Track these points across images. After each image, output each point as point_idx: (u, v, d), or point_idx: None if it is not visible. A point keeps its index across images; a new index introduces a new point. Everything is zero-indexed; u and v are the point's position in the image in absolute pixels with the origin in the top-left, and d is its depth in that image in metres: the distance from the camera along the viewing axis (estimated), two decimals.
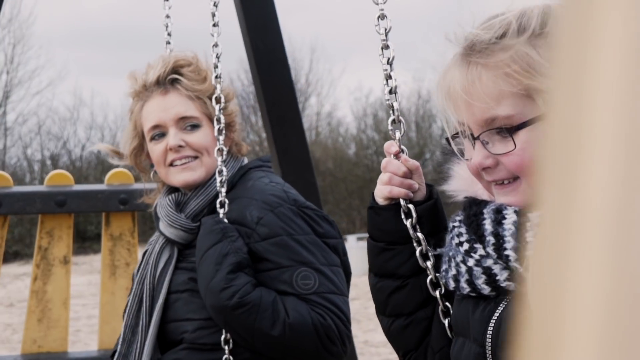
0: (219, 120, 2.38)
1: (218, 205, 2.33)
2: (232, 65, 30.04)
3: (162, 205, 2.45)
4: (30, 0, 31.39)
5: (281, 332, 2.18)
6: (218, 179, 2.34)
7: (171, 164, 2.42)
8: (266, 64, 3.80)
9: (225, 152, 2.38)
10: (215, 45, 2.47)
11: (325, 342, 2.23)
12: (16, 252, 21.02)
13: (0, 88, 26.21)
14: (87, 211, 3.77)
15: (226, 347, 2.28)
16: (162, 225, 2.42)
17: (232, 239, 2.26)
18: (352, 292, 15.64)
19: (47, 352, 3.78)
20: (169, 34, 2.89)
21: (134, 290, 2.47)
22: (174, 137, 2.39)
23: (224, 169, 2.36)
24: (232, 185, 2.42)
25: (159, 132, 2.42)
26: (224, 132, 2.39)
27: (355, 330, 11.56)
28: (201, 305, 2.29)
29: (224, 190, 2.34)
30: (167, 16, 2.90)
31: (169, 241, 2.42)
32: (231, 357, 2.28)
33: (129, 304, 2.46)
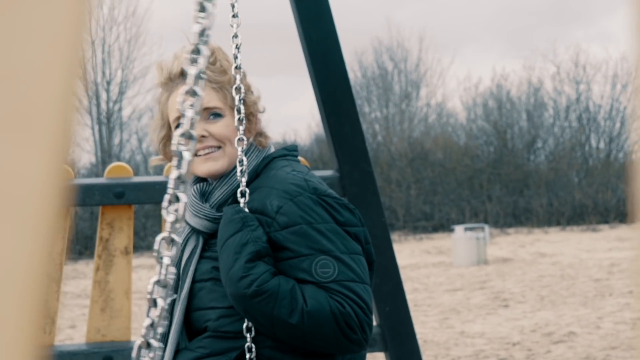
0: (239, 111, 2.41)
1: (239, 195, 2.36)
2: (346, 57, 30.12)
3: (188, 195, 2.49)
4: None
5: (299, 320, 2.20)
6: (238, 169, 2.37)
7: (195, 154, 2.45)
8: (320, 54, 3.80)
9: (245, 142, 2.40)
10: (235, 36, 2.48)
11: (345, 330, 2.23)
12: (149, 246, 21.58)
13: (117, 84, 26.92)
14: (145, 202, 3.85)
15: (248, 335, 2.30)
16: (188, 215, 2.46)
17: (252, 228, 2.28)
18: (457, 283, 15.62)
19: (110, 340, 3.87)
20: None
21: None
22: (196, 127, 2.42)
23: (244, 159, 2.38)
24: (256, 174, 2.44)
25: None
26: (244, 122, 2.42)
27: (454, 320, 11.49)
28: (224, 294, 2.32)
29: (244, 179, 2.37)
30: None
31: (194, 231, 2.45)
32: (253, 345, 2.30)
33: None
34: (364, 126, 29.23)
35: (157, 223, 17.79)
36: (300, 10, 3.79)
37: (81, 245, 20.69)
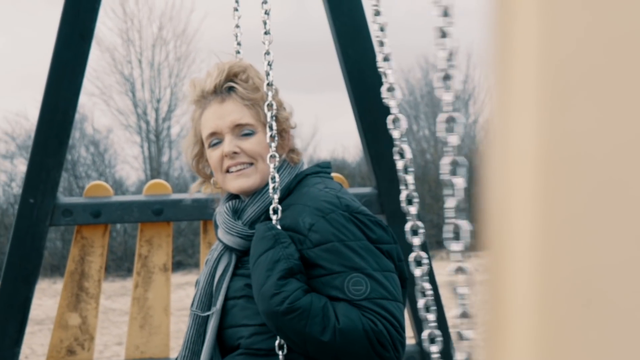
0: (270, 127, 2.41)
1: (271, 212, 2.35)
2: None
3: (220, 212, 2.49)
4: (197, 17, 32.36)
5: (331, 337, 2.18)
6: (271, 185, 2.37)
7: (227, 171, 2.46)
8: (357, 71, 3.80)
9: (277, 159, 2.40)
10: (267, 52, 2.49)
11: (377, 348, 2.21)
12: (179, 262, 21.64)
13: (165, 102, 27.11)
14: (184, 219, 3.86)
15: (280, 353, 2.29)
16: (221, 233, 2.46)
17: (284, 245, 2.27)
18: None
19: (149, 357, 3.89)
20: (238, 44, 2.94)
21: (194, 297, 2.53)
22: (229, 143, 2.43)
23: (277, 176, 2.38)
24: (289, 191, 2.43)
25: (216, 139, 2.47)
26: (276, 138, 2.41)
27: None
28: (256, 311, 2.31)
29: (276, 196, 2.36)
30: (237, 26, 2.95)
31: (227, 248, 2.45)
32: None
33: (190, 314, 2.52)
34: (412, 144, 29.11)
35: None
36: (337, 27, 3.79)
37: (129, 262, 20.82)
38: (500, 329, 0.45)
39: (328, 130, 34.34)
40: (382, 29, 1.72)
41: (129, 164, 27.38)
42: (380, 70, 1.72)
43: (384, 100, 1.68)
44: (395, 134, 1.69)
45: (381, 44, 1.74)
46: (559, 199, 0.44)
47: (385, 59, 1.72)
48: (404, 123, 1.70)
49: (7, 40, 32.59)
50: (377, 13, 1.72)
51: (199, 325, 2.47)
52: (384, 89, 1.71)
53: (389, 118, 1.71)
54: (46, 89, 3.77)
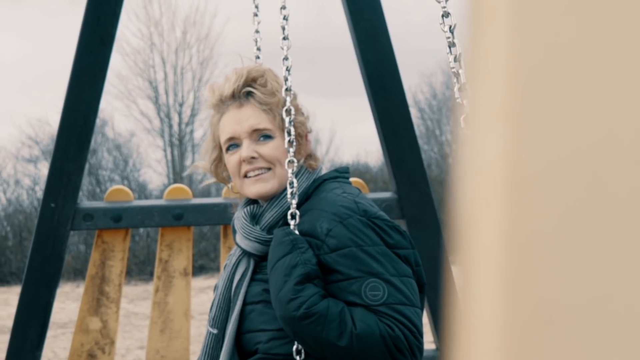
0: (289, 133, 2.41)
1: (289, 217, 2.36)
2: (412, 80, 30.13)
3: (238, 217, 2.50)
4: (220, 21, 32.47)
5: (348, 342, 2.18)
6: (289, 191, 2.37)
7: (245, 175, 2.46)
8: (377, 76, 3.80)
9: (295, 164, 2.40)
10: (286, 58, 2.49)
11: (395, 354, 2.21)
12: (202, 266, 21.68)
13: (189, 106, 27.20)
14: (204, 224, 3.88)
15: (298, 358, 2.30)
16: (239, 238, 2.47)
17: (302, 250, 2.27)
18: None
19: None
20: (258, 49, 2.95)
21: (213, 302, 2.53)
22: (246, 148, 2.44)
23: (295, 181, 2.38)
24: (307, 196, 2.43)
25: (234, 144, 2.48)
26: (294, 143, 2.42)
27: None
28: (274, 316, 2.32)
29: (294, 201, 2.36)
30: (257, 31, 2.96)
31: (245, 253, 2.45)
32: None
33: (209, 316, 2.53)
34: (435, 148, 29.05)
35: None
36: (357, 32, 3.79)
37: (152, 266, 20.88)
38: (466, 344, 0.45)
39: (350, 135, 34.33)
40: (451, 30, 1.72)
41: (152, 168, 27.45)
42: (452, 70, 1.72)
43: (457, 100, 1.68)
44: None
45: (452, 44, 1.74)
46: (525, 215, 0.44)
47: (456, 59, 1.71)
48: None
49: (32, 45, 32.81)
50: (446, 14, 1.73)
51: (217, 331, 2.47)
52: (455, 89, 1.71)
53: (462, 117, 1.71)
54: (67, 93, 3.79)
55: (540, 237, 0.44)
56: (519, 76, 0.44)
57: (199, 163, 2.76)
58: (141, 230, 21.11)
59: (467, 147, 0.47)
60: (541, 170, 0.44)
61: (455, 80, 1.72)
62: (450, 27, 1.74)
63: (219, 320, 2.48)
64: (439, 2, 1.75)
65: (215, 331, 2.47)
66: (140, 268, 21.39)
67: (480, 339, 0.44)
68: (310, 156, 2.53)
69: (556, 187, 0.44)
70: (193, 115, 27.29)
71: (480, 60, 0.46)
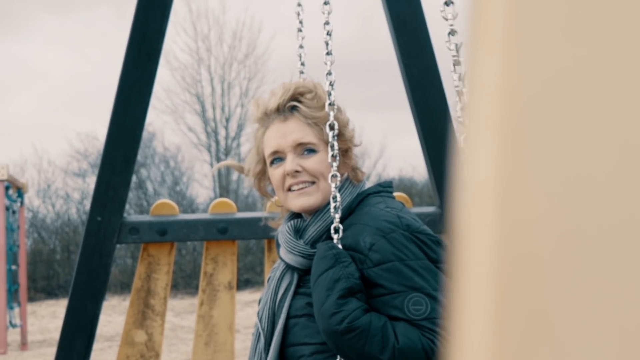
0: (332, 147, 2.41)
1: (332, 231, 2.36)
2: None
3: (282, 231, 2.51)
4: (266, 36, 32.62)
5: (390, 357, 2.18)
6: (332, 205, 2.37)
7: (289, 189, 2.47)
8: (421, 90, 3.80)
9: (339, 178, 2.41)
10: (329, 73, 2.50)
11: None
12: (247, 280, 21.73)
13: (235, 121, 27.33)
14: (248, 238, 3.90)
15: None
16: (282, 252, 2.47)
17: (345, 264, 2.28)
18: None
19: None
20: (302, 64, 2.96)
21: (258, 315, 2.54)
22: (291, 162, 2.45)
23: (338, 195, 2.38)
24: (350, 211, 2.44)
25: (278, 157, 2.49)
26: (338, 158, 2.42)
27: None
28: (317, 330, 2.32)
29: (337, 215, 2.37)
30: (301, 46, 2.98)
31: (289, 267, 2.46)
32: None
33: (255, 329, 2.54)
34: None
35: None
36: (401, 45, 3.79)
37: (198, 280, 20.97)
38: (459, 349, 0.46)
39: (396, 149, 34.23)
40: (457, 49, 1.73)
41: (198, 183, 27.62)
42: (456, 89, 1.72)
43: (458, 120, 1.68)
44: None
45: (458, 62, 1.74)
46: (517, 233, 0.46)
47: (460, 77, 1.72)
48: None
49: (81, 60, 33.21)
50: (453, 32, 1.73)
51: (261, 344, 2.48)
52: (458, 109, 1.71)
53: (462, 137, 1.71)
54: (114, 108, 3.83)
55: (530, 246, 0.44)
56: (513, 97, 0.45)
57: (228, 162, 2.79)
58: (188, 244, 21.23)
59: (464, 165, 0.48)
60: (532, 186, 0.45)
61: (458, 99, 1.73)
62: (456, 45, 1.75)
63: (266, 332, 2.49)
64: (447, 20, 1.75)
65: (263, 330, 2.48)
66: (187, 282, 21.51)
67: (471, 343, 0.45)
68: (354, 170, 2.53)
69: (547, 207, 0.45)
70: (239, 129, 27.40)
71: (477, 79, 0.47)
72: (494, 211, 0.45)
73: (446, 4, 1.72)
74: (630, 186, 0.45)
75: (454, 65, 1.73)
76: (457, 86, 1.72)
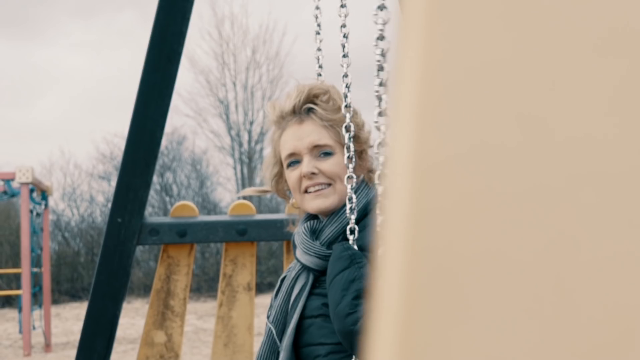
0: (348, 149, 2.42)
1: (348, 232, 2.37)
2: None
3: (299, 232, 2.52)
4: (289, 39, 32.71)
5: None
6: (348, 206, 2.38)
7: (306, 191, 2.48)
8: None
9: (355, 180, 2.41)
10: (345, 75, 2.51)
11: None
12: (270, 283, 21.75)
13: (258, 124, 27.40)
14: (267, 239, 3.91)
15: None
16: (298, 253, 2.48)
17: (360, 265, 2.28)
18: None
19: None
20: (320, 67, 2.97)
21: (270, 315, 2.55)
22: (307, 164, 2.46)
23: (354, 196, 2.39)
24: (366, 212, 2.44)
25: (294, 160, 2.50)
26: (354, 160, 2.43)
27: None
28: (333, 330, 2.33)
29: (353, 217, 2.37)
30: (319, 49, 2.98)
31: (304, 268, 2.47)
32: None
33: (265, 330, 2.55)
34: None
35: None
36: None
37: None
38: (374, 335, 0.49)
39: None
40: (383, 54, 1.74)
41: (222, 186, 27.69)
42: (376, 94, 1.74)
43: (375, 124, 1.71)
44: (381, 160, 1.73)
45: (381, 68, 1.76)
46: (429, 213, 0.47)
47: (381, 83, 1.74)
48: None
49: (106, 63, 33.40)
50: (381, 37, 1.75)
51: (272, 342, 2.49)
52: (375, 113, 1.73)
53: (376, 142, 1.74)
54: (134, 110, 3.86)
55: (443, 206, 0.46)
56: (430, 89, 0.47)
57: (248, 190, 2.81)
58: (211, 246, 21.29)
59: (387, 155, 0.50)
60: (446, 169, 0.47)
61: (377, 104, 1.74)
62: (382, 50, 1.76)
63: (277, 332, 2.50)
64: (376, 24, 1.76)
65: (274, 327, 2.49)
66: (210, 285, 21.55)
67: (386, 300, 0.46)
68: (370, 171, 2.54)
69: (460, 184, 0.47)
70: (262, 133, 27.48)
71: (399, 74, 0.49)
72: (412, 180, 0.46)
73: (379, 8, 1.72)
74: (536, 156, 0.47)
75: (378, 70, 1.74)
76: (377, 91, 1.73)
